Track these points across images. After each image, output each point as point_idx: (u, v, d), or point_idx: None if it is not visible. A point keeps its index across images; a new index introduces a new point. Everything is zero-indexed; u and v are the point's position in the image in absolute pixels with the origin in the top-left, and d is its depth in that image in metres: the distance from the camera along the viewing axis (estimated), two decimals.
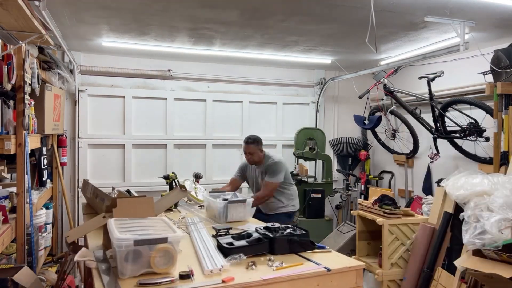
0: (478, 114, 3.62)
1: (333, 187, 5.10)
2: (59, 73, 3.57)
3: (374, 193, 3.99)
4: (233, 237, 2.07)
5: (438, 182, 3.84)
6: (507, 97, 3.25)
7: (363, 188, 5.19)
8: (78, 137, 4.45)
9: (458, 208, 3.13)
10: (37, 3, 2.26)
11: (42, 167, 3.40)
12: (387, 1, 2.69)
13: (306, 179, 4.73)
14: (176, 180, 3.65)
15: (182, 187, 2.78)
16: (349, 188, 5.18)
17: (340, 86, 5.47)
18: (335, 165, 5.45)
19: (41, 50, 3.03)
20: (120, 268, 1.63)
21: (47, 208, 3.39)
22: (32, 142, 2.70)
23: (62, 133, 4.06)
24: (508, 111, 3.22)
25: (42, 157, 3.36)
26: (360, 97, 4.26)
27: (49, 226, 3.49)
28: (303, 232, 2.08)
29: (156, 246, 1.63)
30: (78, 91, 4.44)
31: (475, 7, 2.79)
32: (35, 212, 2.99)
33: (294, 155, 4.95)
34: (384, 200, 3.56)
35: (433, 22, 3.03)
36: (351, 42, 3.82)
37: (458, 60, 4.00)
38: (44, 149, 3.48)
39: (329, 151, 5.39)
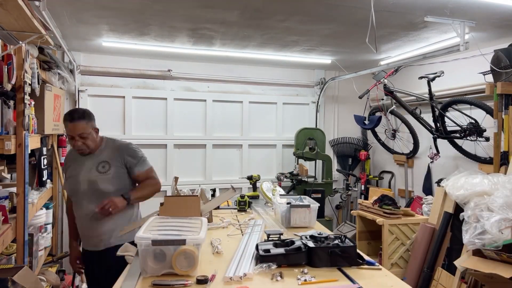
0: (478, 114, 3.62)
1: (333, 187, 5.10)
2: (59, 73, 3.57)
3: (374, 193, 3.99)
4: (275, 244, 1.91)
5: (438, 182, 3.84)
6: (507, 97, 3.25)
7: (363, 188, 5.19)
8: None
9: (458, 208, 3.14)
10: (37, 3, 2.26)
11: (42, 167, 3.40)
12: (387, 1, 2.69)
13: (306, 179, 4.73)
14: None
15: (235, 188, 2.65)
16: (349, 188, 5.18)
17: (340, 86, 5.48)
18: (335, 165, 5.46)
19: (41, 50, 3.03)
20: (143, 266, 1.67)
21: (47, 208, 3.40)
22: (32, 142, 2.70)
23: (62, 133, 4.06)
24: (508, 111, 3.22)
25: (42, 157, 3.36)
26: (360, 97, 4.26)
27: (49, 226, 3.49)
28: (350, 245, 1.86)
29: (180, 247, 1.64)
30: (78, 91, 4.43)
31: (475, 7, 2.79)
32: (35, 212, 2.99)
33: (294, 155, 4.95)
34: (384, 200, 3.57)
35: (433, 22, 3.03)
36: (351, 42, 3.82)
37: (458, 60, 4.00)
38: (44, 149, 3.48)
39: (329, 151, 5.39)
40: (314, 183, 4.82)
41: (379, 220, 3.41)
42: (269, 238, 2.01)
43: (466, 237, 2.80)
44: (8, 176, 3.04)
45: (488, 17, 3.01)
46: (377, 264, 1.89)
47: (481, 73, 3.51)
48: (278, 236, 2.00)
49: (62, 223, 4.36)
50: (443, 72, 3.88)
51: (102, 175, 2.31)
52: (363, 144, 5.49)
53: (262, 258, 1.79)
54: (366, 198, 4.88)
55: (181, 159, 4.85)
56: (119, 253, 1.89)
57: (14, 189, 2.55)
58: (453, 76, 4.06)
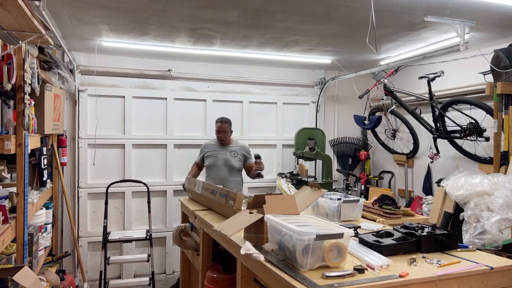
0: (478, 114, 3.62)
1: (333, 187, 5.09)
2: (59, 73, 3.57)
3: (374, 193, 3.99)
4: (374, 235, 2.07)
5: (438, 182, 3.84)
6: (507, 97, 3.25)
7: (363, 188, 5.18)
8: (78, 137, 4.45)
9: (458, 208, 3.14)
10: (37, 3, 2.26)
11: (42, 167, 3.39)
12: (387, 1, 2.69)
13: (306, 179, 4.73)
14: None
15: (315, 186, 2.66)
16: (349, 188, 5.18)
17: (340, 86, 5.47)
18: (335, 165, 5.45)
19: (41, 50, 3.02)
20: (299, 261, 1.67)
21: (47, 208, 3.39)
22: (32, 142, 2.70)
23: (62, 133, 4.06)
24: (508, 111, 3.22)
25: (42, 157, 3.36)
26: (360, 97, 4.26)
27: (49, 226, 3.49)
28: (450, 231, 2.06)
29: (329, 241, 1.67)
30: (78, 91, 4.44)
31: (475, 7, 2.79)
32: (35, 212, 2.99)
33: (294, 155, 4.95)
34: (384, 200, 3.56)
35: (433, 22, 3.04)
36: (351, 42, 3.82)
37: (458, 60, 4.00)
38: (44, 149, 3.48)
39: (329, 151, 5.39)
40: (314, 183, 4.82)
41: (379, 220, 3.41)
42: (356, 232, 2.17)
43: (466, 237, 2.81)
44: (8, 176, 3.03)
45: (488, 17, 3.01)
46: (470, 246, 2.06)
47: (481, 73, 3.51)
48: (354, 228, 2.14)
49: (62, 223, 4.36)
50: (443, 72, 3.88)
51: (234, 157, 4.07)
52: (363, 144, 5.49)
53: (380, 248, 1.91)
54: (366, 198, 4.88)
55: (181, 159, 4.84)
56: (243, 252, 1.88)
57: (14, 189, 2.55)
58: (453, 76, 4.06)
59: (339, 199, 2.78)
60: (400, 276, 1.62)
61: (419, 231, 2.03)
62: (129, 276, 4.54)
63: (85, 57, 4.46)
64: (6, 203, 2.44)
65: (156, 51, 4.27)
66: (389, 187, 5.16)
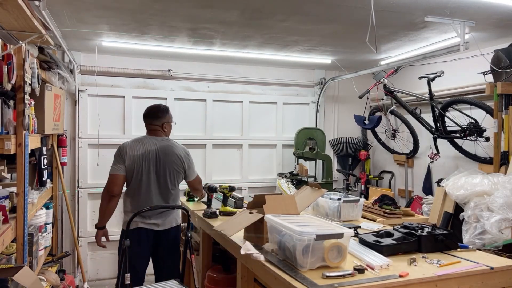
0: (478, 114, 3.62)
1: (333, 187, 5.09)
2: (59, 73, 3.57)
3: (374, 193, 3.99)
4: (374, 235, 2.08)
5: (438, 182, 3.84)
6: (507, 97, 3.25)
7: (363, 188, 5.18)
8: (78, 137, 4.45)
9: (458, 208, 3.14)
10: (37, 3, 2.26)
11: (42, 167, 3.39)
12: (387, 1, 2.69)
13: (306, 179, 4.73)
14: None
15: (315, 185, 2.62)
16: (349, 188, 5.17)
17: (340, 86, 5.47)
18: (335, 165, 5.45)
19: (41, 50, 3.02)
20: (299, 261, 1.68)
21: (47, 208, 3.39)
22: (32, 142, 2.70)
23: (62, 133, 4.06)
24: (508, 111, 3.22)
25: (42, 157, 3.36)
26: (360, 97, 4.26)
27: (49, 226, 3.49)
28: (450, 231, 2.07)
29: (329, 241, 1.68)
30: (78, 91, 4.43)
31: (475, 7, 2.79)
32: (35, 212, 2.98)
33: (294, 155, 4.95)
34: (384, 200, 3.56)
35: (433, 22, 3.04)
36: (351, 42, 3.82)
37: (458, 60, 4.00)
38: (44, 149, 3.48)
39: (329, 151, 5.39)
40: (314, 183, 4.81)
41: (379, 220, 3.41)
42: (356, 232, 2.19)
43: (466, 237, 2.81)
44: (8, 176, 3.03)
45: (488, 17, 3.01)
46: (470, 246, 2.08)
47: (481, 73, 3.51)
48: (354, 228, 2.14)
49: (62, 223, 4.36)
50: (443, 72, 3.88)
51: None
52: (363, 144, 5.49)
53: (380, 247, 1.92)
54: (366, 198, 4.88)
55: None
56: (243, 252, 1.89)
57: (14, 189, 2.55)
58: (453, 76, 4.06)
59: (339, 199, 2.79)
60: (400, 276, 1.62)
61: (419, 231, 2.03)
62: None
63: (85, 57, 4.46)
64: (6, 203, 2.44)
65: (156, 51, 4.27)
66: (389, 187, 5.16)
